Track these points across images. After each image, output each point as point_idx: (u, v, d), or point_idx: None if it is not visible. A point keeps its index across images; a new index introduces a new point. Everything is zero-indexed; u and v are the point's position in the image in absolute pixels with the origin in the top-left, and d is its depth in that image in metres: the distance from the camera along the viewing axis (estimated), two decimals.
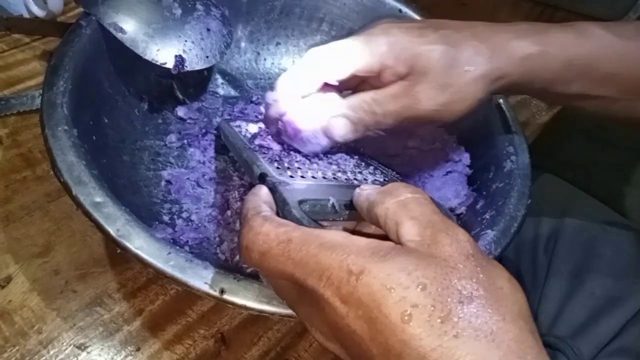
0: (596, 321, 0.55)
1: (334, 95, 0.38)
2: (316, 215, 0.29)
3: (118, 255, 0.43)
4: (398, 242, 0.24)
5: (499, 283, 0.23)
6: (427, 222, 0.24)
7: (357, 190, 0.29)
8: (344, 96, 0.38)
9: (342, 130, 0.36)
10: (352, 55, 0.36)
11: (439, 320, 0.21)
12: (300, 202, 0.29)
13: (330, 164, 0.39)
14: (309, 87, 0.37)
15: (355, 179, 0.37)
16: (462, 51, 0.35)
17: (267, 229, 0.26)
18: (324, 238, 0.24)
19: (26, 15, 0.55)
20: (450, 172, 0.48)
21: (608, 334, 0.55)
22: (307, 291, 0.24)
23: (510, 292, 0.23)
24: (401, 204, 0.26)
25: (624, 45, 0.38)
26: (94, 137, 0.40)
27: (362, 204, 0.28)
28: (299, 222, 0.27)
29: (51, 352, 0.38)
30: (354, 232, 0.25)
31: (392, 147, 0.49)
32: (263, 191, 0.31)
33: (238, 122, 0.44)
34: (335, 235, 0.24)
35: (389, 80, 0.36)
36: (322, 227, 0.28)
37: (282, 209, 0.29)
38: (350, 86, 0.39)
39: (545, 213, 0.66)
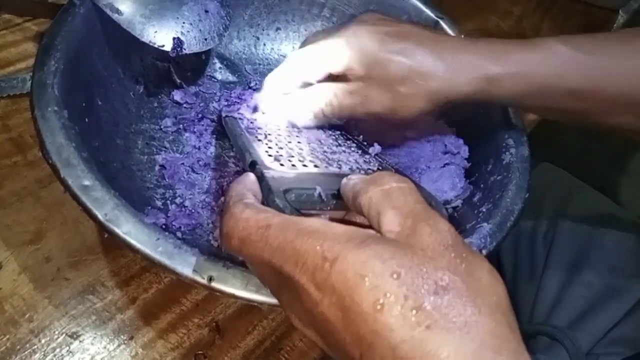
0: (594, 312, 0.56)
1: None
2: (302, 205, 0.29)
3: (111, 243, 0.43)
4: (379, 231, 0.24)
5: (478, 274, 0.22)
6: (408, 212, 0.24)
7: (344, 179, 0.29)
8: None
9: (303, 119, 0.43)
10: (326, 59, 0.41)
11: (412, 311, 0.20)
12: (286, 191, 0.29)
13: (326, 151, 0.40)
14: (291, 86, 0.43)
15: (349, 168, 0.37)
16: (417, 65, 0.39)
17: (247, 215, 0.26)
18: (302, 224, 0.24)
19: None
20: (448, 164, 0.48)
21: (606, 325, 0.55)
22: (285, 277, 0.24)
23: (489, 283, 0.22)
24: (385, 193, 0.25)
25: (587, 60, 0.39)
26: (86, 119, 0.39)
27: (348, 193, 0.28)
28: (281, 211, 0.27)
29: (42, 341, 0.38)
30: (341, 221, 0.25)
31: (390, 137, 0.49)
32: (249, 179, 0.31)
33: (238, 106, 0.44)
34: (313, 222, 0.24)
35: (351, 79, 0.41)
36: (304, 215, 0.27)
37: (266, 197, 0.29)
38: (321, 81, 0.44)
39: (544, 203, 0.65)
